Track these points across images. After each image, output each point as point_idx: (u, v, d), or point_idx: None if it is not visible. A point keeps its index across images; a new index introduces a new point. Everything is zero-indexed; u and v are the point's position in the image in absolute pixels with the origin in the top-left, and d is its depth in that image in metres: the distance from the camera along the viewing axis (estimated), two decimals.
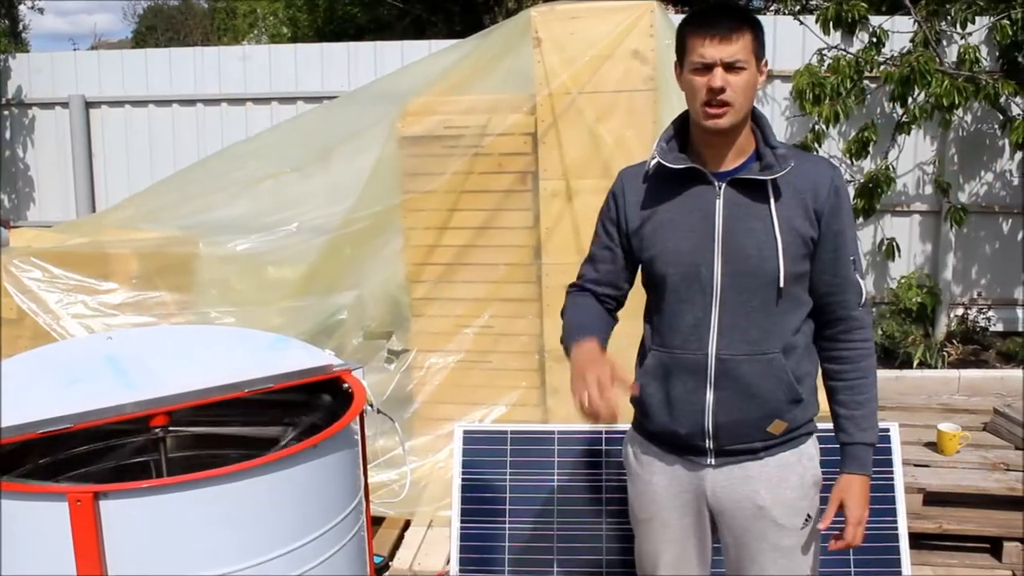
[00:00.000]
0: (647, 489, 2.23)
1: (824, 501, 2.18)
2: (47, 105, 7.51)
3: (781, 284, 2.04)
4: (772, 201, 2.04)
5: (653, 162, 2.12)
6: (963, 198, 6.35)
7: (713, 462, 2.15)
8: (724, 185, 2.06)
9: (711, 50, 1.96)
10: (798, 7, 6.50)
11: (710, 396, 2.09)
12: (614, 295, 2.25)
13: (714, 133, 2.03)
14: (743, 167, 2.08)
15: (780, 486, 2.14)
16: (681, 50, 2.05)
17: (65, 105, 7.42)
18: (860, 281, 2.12)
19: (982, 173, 6.43)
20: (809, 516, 2.17)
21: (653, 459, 2.22)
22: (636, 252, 2.17)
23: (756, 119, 2.10)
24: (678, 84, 2.09)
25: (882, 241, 6.34)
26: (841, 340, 2.14)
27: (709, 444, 2.13)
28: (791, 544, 2.15)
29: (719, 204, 2.06)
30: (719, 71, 1.96)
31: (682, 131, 2.15)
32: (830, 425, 2.22)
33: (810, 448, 2.19)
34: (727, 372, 2.07)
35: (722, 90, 1.96)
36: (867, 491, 2.15)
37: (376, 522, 3.81)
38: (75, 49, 14.69)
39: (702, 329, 2.08)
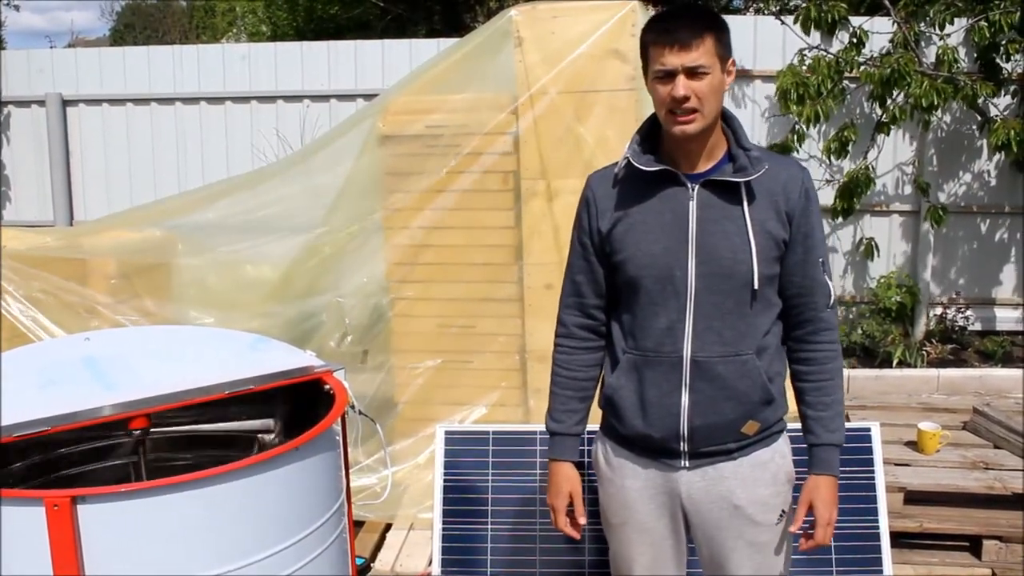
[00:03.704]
0: (619, 493, 2.22)
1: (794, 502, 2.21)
2: (23, 103, 7.43)
3: (755, 286, 2.04)
4: (745, 203, 2.03)
5: (624, 164, 2.11)
6: (942, 198, 6.38)
7: (687, 464, 2.14)
8: (697, 187, 2.05)
9: (672, 58, 1.94)
10: (778, 7, 6.50)
11: (685, 399, 2.08)
12: (602, 304, 2.22)
13: (683, 137, 2.02)
14: (716, 168, 2.07)
15: (754, 484, 2.14)
16: (644, 57, 2.04)
17: (42, 103, 7.34)
18: (828, 282, 2.13)
19: (961, 173, 6.47)
20: (783, 512, 2.18)
21: (625, 462, 2.20)
22: (608, 255, 2.14)
23: (727, 120, 2.10)
24: (647, 90, 2.08)
25: (861, 241, 6.37)
26: (809, 341, 2.15)
27: (684, 447, 2.12)
28: (766, 540, 2.17)
29: (692, 206, 2.05)
30: (682, 79, 1.95)
31: (653, 132, 2.13)
32: (797, 424, 2.24)
33: (782, 446, 2.21)
34: (702, 374, 2.06)
35: (686, 98, 1.95)
36: (835, 492, 2.17)
37: (357, 525, 3.79)
38: (52, 47, 14.60)
39: (676, 331, 2.07)
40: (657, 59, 1.97)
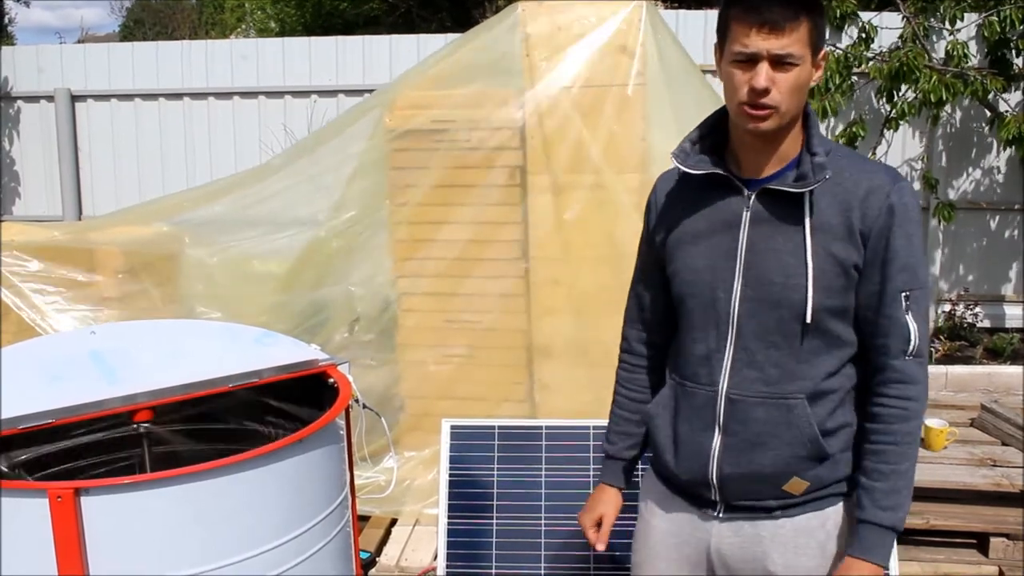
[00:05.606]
0: (645, 531, 2.01)
1: None
2: (32, 98, 7.46)
3: (808, 318, 1.72)
4: (807, 218, 1.71)
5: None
6: (951, 194, 6.37)
7: (721, 515, 1.88)
8: (754, 196, 1.76)
9: (757, 41, 1.63)
10: None
11: (717, 441, 1.82)
12: (664, 320, 2.00)
13: (754, 136, 1.74)
14: (778, 175, 1.76)
15: (796, 553, 1.83)
16: (723, 34, 1.72)
17: (51, 98, 7.38)
18: (911, 324, 1.72)
19: (970, 169, 6.46)
20: None
21: (658, 499, 1.99)
22: (663, 266, 1.91)
23: (805, 118, 1.77)
24: (717, 71, 1.77)
25: None
26: (876, 394, 1.77)
27: (715, 495, 1.87)
28: None
29: (746, 217, 1.76)
30: (765, 67, 1.64)
31: (720, 126, 1.84)
32: None
33: (839, 513, 1.86)
34: (737, 415, 1.79)
35: (766, 91, 1.64)
36: None
37: (362, 520, 3.79)
38: (61, 42, 14.63)
39: (713, 362, 1.81)
40: (739, 39, 1.65)
